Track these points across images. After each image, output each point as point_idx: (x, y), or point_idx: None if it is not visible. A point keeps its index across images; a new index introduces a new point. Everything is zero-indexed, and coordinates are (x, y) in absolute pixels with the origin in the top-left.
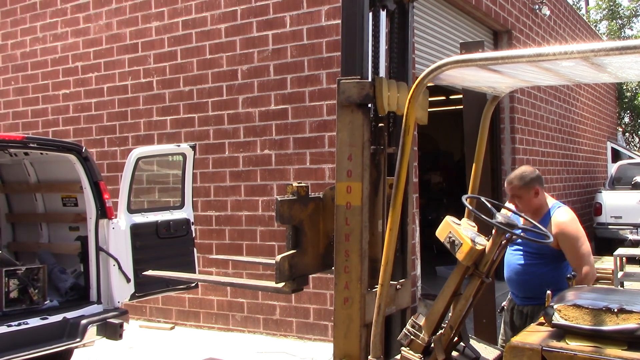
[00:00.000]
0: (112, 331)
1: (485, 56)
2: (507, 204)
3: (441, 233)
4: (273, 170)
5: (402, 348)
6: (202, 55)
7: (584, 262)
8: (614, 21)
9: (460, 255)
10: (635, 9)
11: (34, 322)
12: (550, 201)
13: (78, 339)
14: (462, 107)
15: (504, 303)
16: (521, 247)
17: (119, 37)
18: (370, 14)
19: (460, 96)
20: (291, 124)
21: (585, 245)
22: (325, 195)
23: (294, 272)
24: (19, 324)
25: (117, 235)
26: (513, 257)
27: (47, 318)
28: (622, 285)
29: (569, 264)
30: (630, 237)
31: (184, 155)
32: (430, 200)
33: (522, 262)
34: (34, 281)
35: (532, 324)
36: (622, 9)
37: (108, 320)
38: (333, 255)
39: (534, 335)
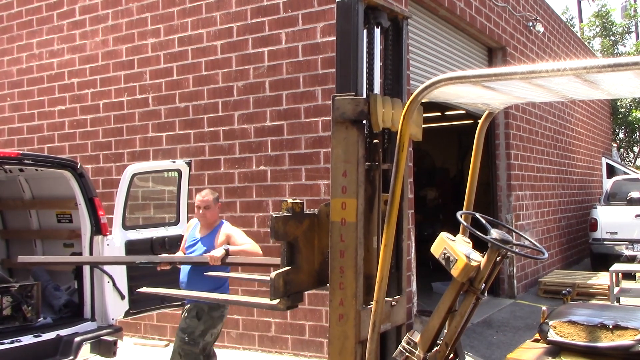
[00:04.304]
0: (106, 349)
1: (479, 73)
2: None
3: (436, 249)
4: (268, 187)
5: None
6: (198, 72)
7: (249, 240)
8: (607, 38)
9: (455, 271)
10: (627, 26)
11: (27, 339)
12: (219, 217)
13: (71, 357)
14: (457, 123)
15: (188, 306)
16: (194, 253)
17: (115, 54)
18: (365, 31)
19: (456, 112)
20: (286, 140)
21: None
22: (320, 212)
23: (288, 289)
24: (12, 342)
25: (112, 251)
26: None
27: (40, 335)
28: (618, 301)
29: (223, 268)
30: (626, 252)
31: (179, 172)
32: (426, 216)
33: (191, 266)
34: (27, 298)
35: (527, 341)
36: (615, 27)
37: (102, 337)
38: (328, 272)
39: (529, 352)
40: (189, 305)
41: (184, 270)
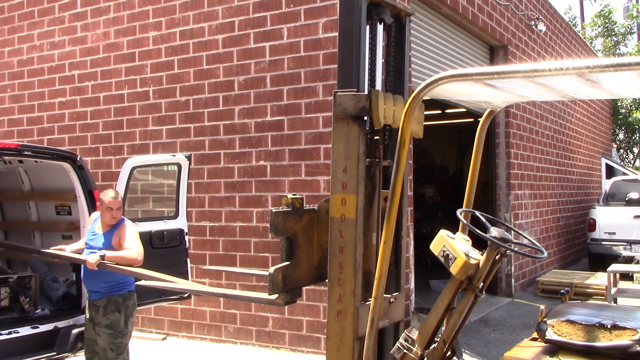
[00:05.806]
0: None
1: (481, 71)
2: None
3: (435, 247)
4: (268, 182)
5: None
6: (199, 66)
7: (138, 244)
8: (609, 38)
9: (454, 269)
10: (629, 27)
11: (25, 331)
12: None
13: (69, 349)
14: (457, 121)
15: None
16: (93, 250)
17: (116, 46)
18: (368, 27)
19: (456, 110)
20: (287, 135)
21: (138, 240)
22: (319, 208)
23: (287, 284)
24: (10, 333)
25: None
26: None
27: (38, 327)
28: (615, 302)
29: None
30: (624, 253)
31: (179, 165)
32: (425, 214)
33: None
34: (25, 290)
35: (525, 339)
36: (617, 27)
37: None
38: (327, 268)
39: (527, 350)
40: (97, 300)
41: (82, 266)
